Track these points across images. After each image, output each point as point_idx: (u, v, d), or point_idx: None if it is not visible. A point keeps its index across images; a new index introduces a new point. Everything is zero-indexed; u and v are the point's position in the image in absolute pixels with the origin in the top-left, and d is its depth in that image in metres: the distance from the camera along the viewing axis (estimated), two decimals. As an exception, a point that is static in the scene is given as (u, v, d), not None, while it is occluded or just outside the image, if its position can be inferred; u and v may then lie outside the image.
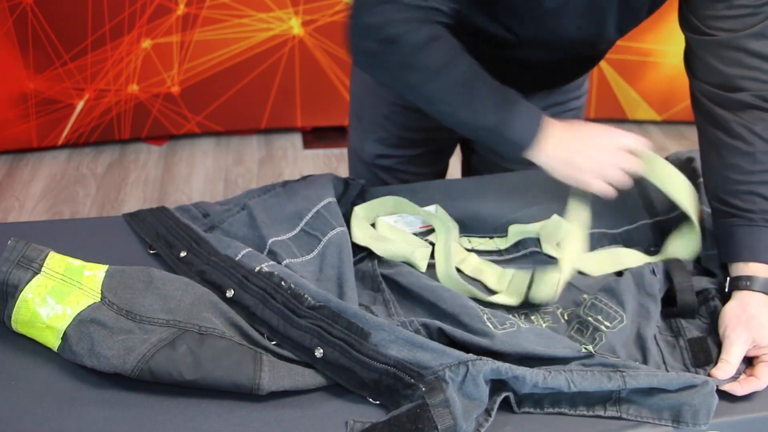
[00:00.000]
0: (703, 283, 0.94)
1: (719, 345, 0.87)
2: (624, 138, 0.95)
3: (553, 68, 1.13)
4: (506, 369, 0.76)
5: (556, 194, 1.01)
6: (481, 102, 0.94)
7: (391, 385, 0.77)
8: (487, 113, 0.94)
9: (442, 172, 1.36)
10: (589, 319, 0.90)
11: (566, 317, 0.93)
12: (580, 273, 1.00)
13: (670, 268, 0.94)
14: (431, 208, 1.04)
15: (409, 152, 1.27)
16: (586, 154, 0.94)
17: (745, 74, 0.92)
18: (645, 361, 0.85)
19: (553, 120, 0.95)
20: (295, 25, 2.66)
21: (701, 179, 1.06)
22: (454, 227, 1.02)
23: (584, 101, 1.31)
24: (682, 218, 1.02)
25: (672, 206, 1.07)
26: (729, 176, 0.94)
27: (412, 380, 0.76)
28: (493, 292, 0.97)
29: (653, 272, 0.94)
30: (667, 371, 0.83)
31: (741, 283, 0.89)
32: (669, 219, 1.07)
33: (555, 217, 1.04)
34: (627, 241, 1.06)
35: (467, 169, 1.39)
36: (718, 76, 0.94)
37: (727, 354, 0.84)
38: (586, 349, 0.82)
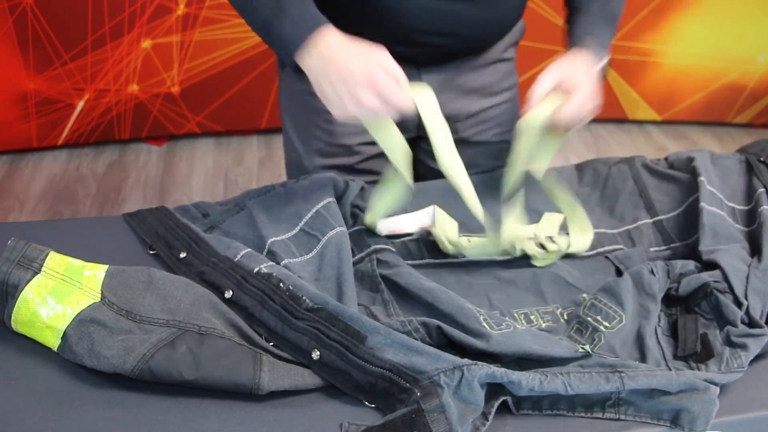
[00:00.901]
0: (703, 277, 0.93)
1: (721, 339, 0.87)
2: (388, 62, 0.89)
3: (458, 4, 1.07)
4: (502, 374, 0.76)
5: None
6: None
7: (386, 388, 0.77)
8: (262, 3, 0.94)
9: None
10: (589, 319, 0.90)
11: (566, 317, 0.93)
12: (569, 257, 1.02)
13: (681, 322, 0.93)
14: (429, 210, 1.04)
15: (347, 160, 1.21)
16: (343, 69, 0.88)
17: None
18: (644, 361, 0.85)
19: (333, 31, 0.92)
20: (295, 25, 2.66)
21: (701, 177, 1.06)
22: (452, 224, 1.02)
23: (515, 95, 1.29)
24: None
25: (672, 206, 1.07)
26: None
27: (408, 385, 0.76)
28: None
29: (652, 272, 0.94)
30: (669, 368, 0.83)
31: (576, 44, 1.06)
32: (669, 218, 1.07)
33: (546, 215, 1.05)
34: (627, 242, 1.06)
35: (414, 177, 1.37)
36: None
37: (536, 84, 0.98)
38: (583, 348, 0.82)
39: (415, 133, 1.22)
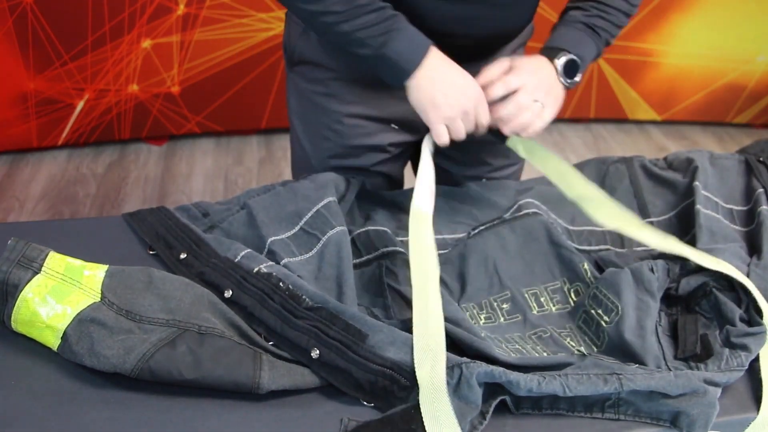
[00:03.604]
0: (702, 277, 0.94)
1: (720, 340, 0.87)
2: (483, 106, 1.01)
3: (470, 7, 1.09)
4: (500, 373, 0.76)
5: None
6: (366, 16, 0.97)
7: (386, 386, 0.77)
8: (371, 29, 0.97)
9: (398, 180, 1.30)
10: (592, 312, 0.90)
11: (573, 297, 0.93)
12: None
13: (681, 323, 0.93)
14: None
15: (357, 162, 1.21)
16: (446, 94, 0.99)
17: None
18: (645, 353, 0.85)
19: (438, 54, 1.00)
20: (295, 25, 2.66)
21: (697, 182, 1.06)
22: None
23: None
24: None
25: (665, 209, 1.07)
26: None
27: (408, 382, 0.76)
28: None
29: (652, 270, 0.94)
30: (668, 368, 0.83)
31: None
32: (661, 221, 1.07)
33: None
34: (615, 240, 1.06)
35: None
36: None
37: (515, 77, 1.01)
38: (579, 351, 0.82)
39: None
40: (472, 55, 1.15)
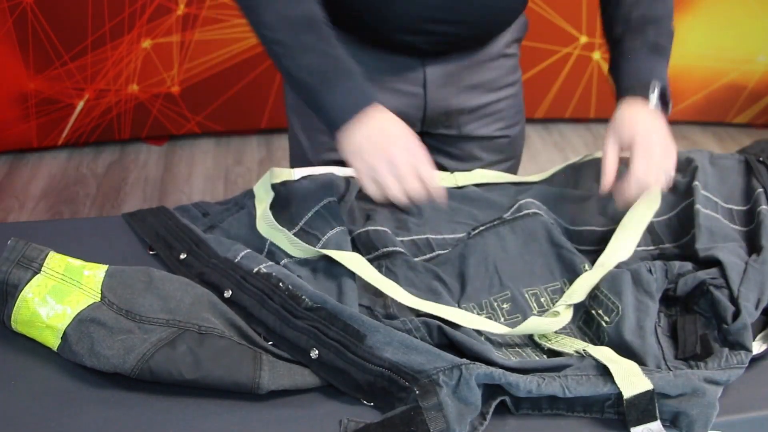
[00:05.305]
0: (699, 275, 0.93)
1: (719, 340, 0.87)
2: (416, 160, 0.92)
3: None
4: (499, 374, 0.76)
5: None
6: (309, 56, 0.92)
7: (385, 387, 0.77)
8: (312, 69, 0.92)
9: None
10: (593, 312, 0.90)
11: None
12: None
13: (680, 323, 0.92)
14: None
15: None
16: (372, 140, 0.91)
17: None
18: (644, 354, 0.85)
19: (381, 109, 0.92)
20: (295, 25, 2.66)
21: (697, 182, 1.06)
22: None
23: (518, 91, 1.28)
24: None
25: (665, 209, 1.07)
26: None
27: (407, 383, 0.76)
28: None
29: (650, 271, 0.94)
30: (668, 368, 0.83)
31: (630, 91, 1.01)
32: (660, 221, 1.07)
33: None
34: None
35: None
36: None
37: (603, 158, 0.98)
38: (576, 352, 0.82)
39: (419, 128, 1.22)
40: (466, 44, 1.15)
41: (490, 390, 0.78)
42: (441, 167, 1.23)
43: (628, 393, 0.76)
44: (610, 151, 1.00)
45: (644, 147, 0.97)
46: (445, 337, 0.83)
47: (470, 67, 1.18)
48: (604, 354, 0.81)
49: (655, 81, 1.01)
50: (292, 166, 1.31)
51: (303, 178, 1.08)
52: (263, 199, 1.02)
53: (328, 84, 0.92)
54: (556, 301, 0.93)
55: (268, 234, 0.97)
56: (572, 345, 0.86)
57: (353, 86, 0.93)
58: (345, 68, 0.94)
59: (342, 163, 1.12)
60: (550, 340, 0.87)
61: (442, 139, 1.25)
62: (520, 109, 1.31)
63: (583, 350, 0.82)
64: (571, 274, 0.97)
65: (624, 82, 1.05)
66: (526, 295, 0.95)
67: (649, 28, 1.06)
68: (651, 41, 1.06)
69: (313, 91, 0.93)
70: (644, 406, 0.76)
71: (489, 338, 0.88)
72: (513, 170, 1.32)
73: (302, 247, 0.94)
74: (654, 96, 1.01)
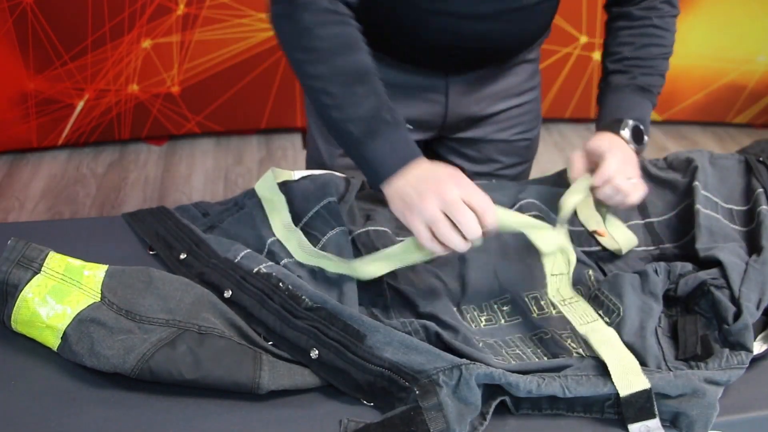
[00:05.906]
0: (700, 276, 0.93)
1: (719, 341, 0.87)
2: (469, 193, 0.85)
3: (487, 23, 1.06)
4: (499, 374, 0.76)
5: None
6: (355, 107, 0.89)
7: (385, 387, 0.77)
8: (357, 122, 0.89)
9: None
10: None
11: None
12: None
13: (681, 323, 0.92)
14: None
15: None
16: (420, 189, 0.85)
17: None
18: (645, 354, 0.85)
19: (424, 160, 0.88)
20: (295, 25, 2.66)
21: (697, 182, 1.06)
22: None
23: (537, 95, 1.29)
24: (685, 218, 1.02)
25: (665, 209, 1.07)
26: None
27: (407, 383, 0.76)
28: None
29: (656, 272, 0.94)
30: (668, 368, 0.83)
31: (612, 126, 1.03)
32: (660, 221, 1.07)
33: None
34: None
35: None
36: None
37: (606, 167, 0.95)
38: (577, 353, 0.82)
39: (437, 132, 1.22)
40: (488, 61, 1.16)
41: (490, 390, 0.78)
42: (459, 169, 1.24)
43: (624, 392, 0.77)
44: (577, 159, 1.01)
45: (613, 154, 0.98)
46: (442, 344, 0.83)
47: (493, 75, 1.19)
48: (609, 339, 0.82)
49: (626, 120, 1.03)
50: (308, 168, 1.32)
51: (303, 178, 1.08)
52: (271, 200, 1.02)
53: (373, 136, 0.89)
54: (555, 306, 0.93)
55: (283, 236, 0.97)
56: (584, 314, 0.85)
57: (399, 138, 0.90)
58: (393, 121, 0.90)
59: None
60: (564, 300, 0.87)
61: (460, 141, 1.26)
62: (539, 113, 1.32)
63: (582, 347, 0.82)
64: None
65: (604, 117, 1.08)
66: (527, 299, 0.95)
67: (640, 69, 1.09)
68: (638, 83, 1.08)
69: (357, 143, 0.90)
70: (641, 404, 0.76)
71: (487, 345, 0.88)
72: (527, 172, 1.33)
73: (311, 252, 0.94)
74: (625, 132, 1.02)
